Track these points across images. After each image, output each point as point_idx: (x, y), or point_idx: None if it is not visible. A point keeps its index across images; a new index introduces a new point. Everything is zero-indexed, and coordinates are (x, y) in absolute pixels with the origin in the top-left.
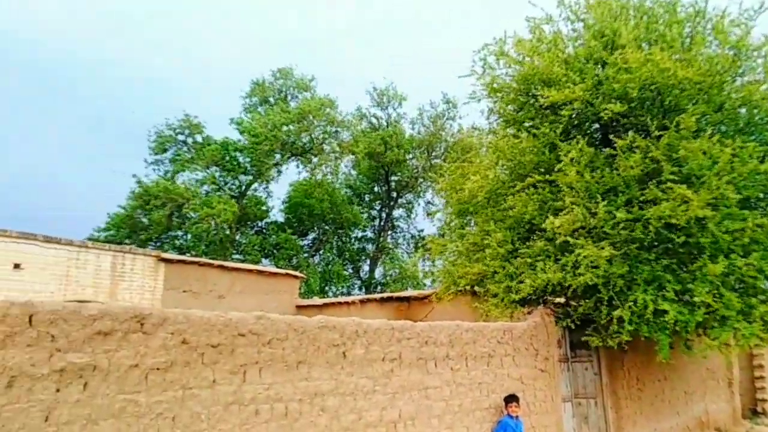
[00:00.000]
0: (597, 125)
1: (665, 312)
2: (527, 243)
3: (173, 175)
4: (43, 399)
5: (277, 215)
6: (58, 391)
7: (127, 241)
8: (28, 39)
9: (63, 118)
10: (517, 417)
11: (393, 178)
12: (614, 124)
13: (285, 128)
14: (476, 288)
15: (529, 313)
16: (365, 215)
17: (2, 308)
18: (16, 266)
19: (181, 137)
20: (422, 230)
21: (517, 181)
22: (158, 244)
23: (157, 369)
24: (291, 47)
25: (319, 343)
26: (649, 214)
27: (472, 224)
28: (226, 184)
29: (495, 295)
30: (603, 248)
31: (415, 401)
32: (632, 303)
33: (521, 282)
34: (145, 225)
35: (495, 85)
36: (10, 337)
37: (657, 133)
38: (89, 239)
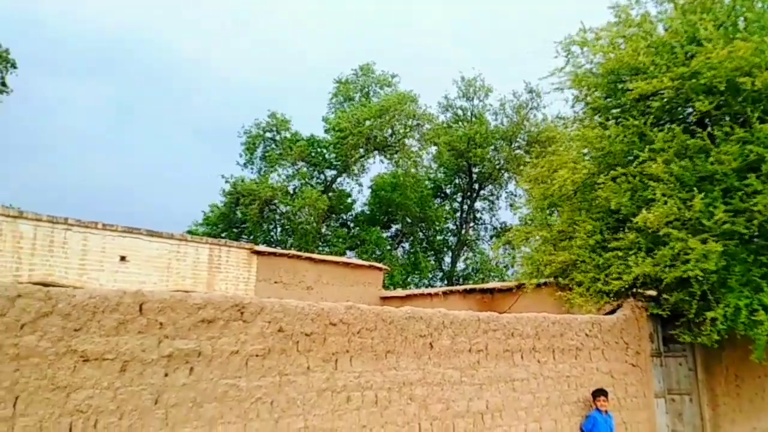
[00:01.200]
0: (690, 110)
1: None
2: (617, 234)
3: (264, 172)
4: (153, 383)
5: (361, 208)
6: (166, 375)
7: (222, 234)
8: (134, 42)
9: (162, 118)
10: (606, 411)
11: (475, 170)
12: (707, 112)
13: (368, 123)
14: (560, 279)
15: (619, 305)
16: (447, 207)
17: (115, 297)
18: (122, 259)
19: (269, 135)
20: (505, 222)
21: (605, 172)
22: (251, 237)
23: (256, 356)
24: (381, 43)
25: (407, 333)
26: (755, 202)
27: (557, 215)
28: (312, 178)
29: (580, 284)
30: (705, 241)
31: (502, 393)
32: (725, 305)
33: (610, 275)
34: (238, 220)
35: (580, 76)
36: (123, 325)
37: (759, 125)
38: (188, 233)
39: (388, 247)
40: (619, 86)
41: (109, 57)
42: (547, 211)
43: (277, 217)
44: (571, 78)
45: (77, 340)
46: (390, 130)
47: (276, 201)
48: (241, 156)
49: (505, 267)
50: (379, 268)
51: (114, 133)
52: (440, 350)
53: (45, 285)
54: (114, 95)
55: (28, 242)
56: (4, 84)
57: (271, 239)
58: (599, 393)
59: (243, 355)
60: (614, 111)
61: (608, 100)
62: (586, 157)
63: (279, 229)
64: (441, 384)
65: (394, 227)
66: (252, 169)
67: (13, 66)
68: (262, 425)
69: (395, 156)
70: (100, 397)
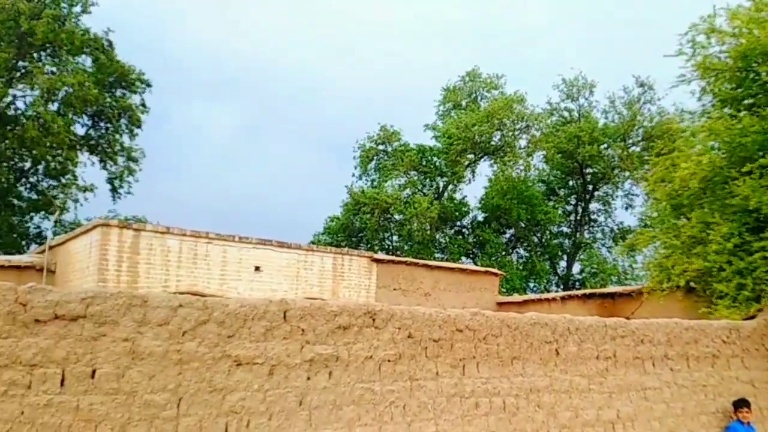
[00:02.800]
0: None
1: None
2: (760, 235)
3: (379, 183)
4: (297, 386)
5: (474, 214)
6: (308, 379)
7: (342, 243)
8: (257, 66)
9: (286, 136)
10: (748, 423)
11: (588, 170)
12: None
13: (476, 128)
14: (694, 285)
15: (759, 310)
16: (560, 210)
17: (262, 305)
18: (257, 269)
19: (381, 147)
20: (622, 223)
21: (737, 166)
22: (369, 246)
23: (388, 361)
24: (484, 47)
25: (532, 339)
26: None
27: (682, 216)
28: (424, 186)
29: (723, 296)
30: None
31: (634, 402)
32: None
33: (759, 280)
34: (356, 229)
35: (707, 64)
36: (270, 331)
37: None
38: (312, 243)
39: (503, 253)
40: (751, 75)
41: (235, 82)
42: (675, 213)
43: (393, 225)
44: (697, 68)
45: (231, 345)
46: (498, 134)
47: (391, 209)
48: (356, 169)
49: (626, 274)
50: (495, 274)
51: (244, 151)
52: (566, 357)
53: (202, 295)
54: (242, 116)
55: (174, 255)
56: (144, 105)
57: (388, 247)
58: (741, 404)
59: (376, 360)
60: (745, 102)
61: (739, 90)
62: (714, 151)
63: (395, 237)
64: (569, 391)
65: (509, 232)
66: (367, 180)
67: (148, 85)
68: (396, 428)
69: (505, 160)
70: (251, 399)
